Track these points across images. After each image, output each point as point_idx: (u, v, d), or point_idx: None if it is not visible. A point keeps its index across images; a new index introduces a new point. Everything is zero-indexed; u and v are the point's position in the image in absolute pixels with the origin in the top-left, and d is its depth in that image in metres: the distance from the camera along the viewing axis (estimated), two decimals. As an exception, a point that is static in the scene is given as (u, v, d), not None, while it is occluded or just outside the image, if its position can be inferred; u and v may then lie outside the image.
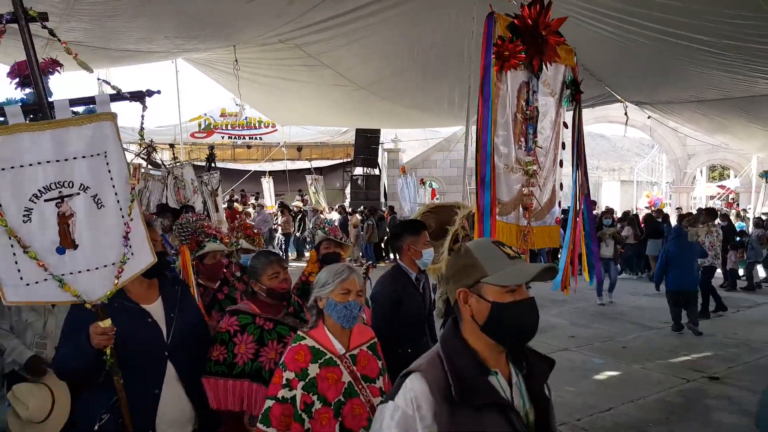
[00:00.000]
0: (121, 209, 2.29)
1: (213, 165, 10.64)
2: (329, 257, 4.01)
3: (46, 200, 2.17)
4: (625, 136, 21.75)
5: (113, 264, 2.27)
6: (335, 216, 17.61)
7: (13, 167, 2.13)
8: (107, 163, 2.27)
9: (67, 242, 2.19)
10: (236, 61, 9.09)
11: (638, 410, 5.37)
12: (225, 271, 4.08)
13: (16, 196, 2.14)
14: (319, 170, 24.49)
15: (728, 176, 22.87)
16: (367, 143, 21.02)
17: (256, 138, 25.04)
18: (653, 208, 19.49)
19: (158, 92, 2.48)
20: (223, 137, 24.88)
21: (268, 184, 21.65)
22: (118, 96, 2.38)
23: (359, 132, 20.83)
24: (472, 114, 9.74)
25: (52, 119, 2.24)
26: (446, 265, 1.69)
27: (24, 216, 2.15)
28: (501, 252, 1.57)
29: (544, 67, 3.33)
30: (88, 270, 2.23)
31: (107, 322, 2.23)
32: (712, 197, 22.76)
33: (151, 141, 10.99)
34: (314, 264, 4.01)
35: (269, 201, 20.85)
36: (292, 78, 10.76)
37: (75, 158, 2.20)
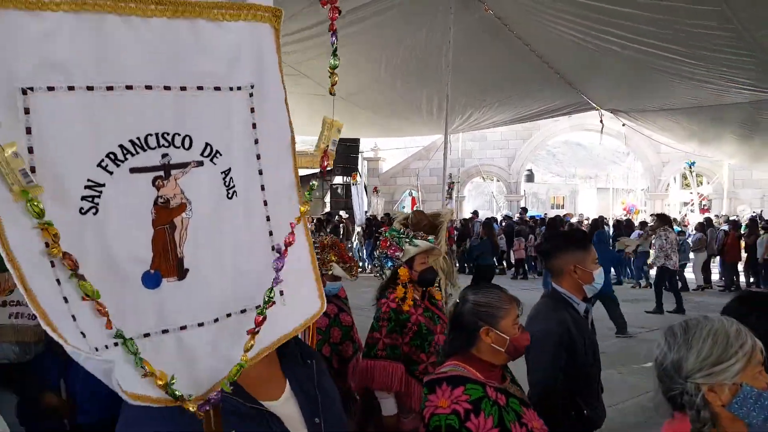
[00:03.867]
0: (266, 204, 1.19)
1: None
2: (428, 274, 3.15)
3: (133, 169, 1.01)
4: (601, 144, 22.10)
5: (248, 310, 1.14)
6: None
7: (72, 87, 0.94)
8: (251, 110, 1.14)
9: (167, 265, 1.04)
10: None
11: (616, 415, 5.43)
12: None
13: (75, 152, 0.96)
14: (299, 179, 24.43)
15: (701, 183, 23.37)
16: (346, 152, 21.04)
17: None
18: (628, 215, 19.88)
19: None
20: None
21: None
22: None
23: (339, 141, 20.82)
24: (450, 123, 9.84)
25: None
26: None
27: (85, 199, 0.97)
28: None
29: None
30: (200, 325, 1.07)
31: None
32: (685, 204, 23.21)
33: None
34: (409, 287, 3.04)
35: None
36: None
37: (200, 88, 1.06)
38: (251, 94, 1.15)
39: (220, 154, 1.09)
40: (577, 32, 7.13)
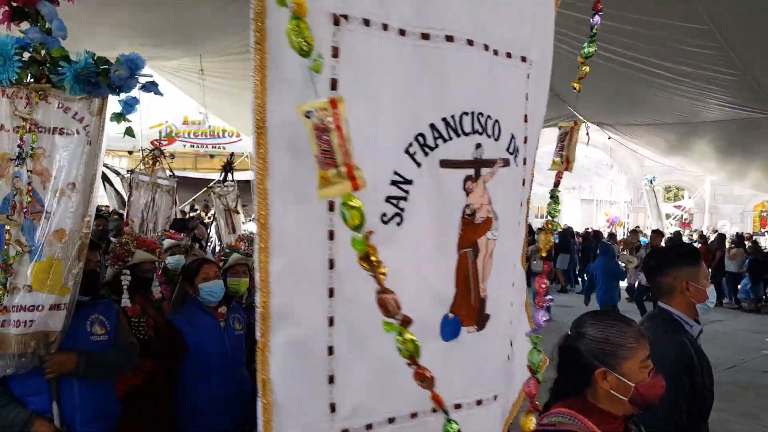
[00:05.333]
0: (519, 224, 0.89)
1: (230, 175, 7.97)
2: None
3: (445, 162, 0.70)
4: (586, 156, 22.30)
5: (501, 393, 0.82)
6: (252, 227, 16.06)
7: (386, 26, 0.65)
8: (526, 96, 0.86)
9: (468, 307, 0.73)
10: (202, 70, 8.97)
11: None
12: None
13: (384, 127, 0.65)
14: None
15: (683, 197, 23.66)
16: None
17: (219, 147, 24.72)
18: (611, 227, 20.11)
19: None
20: (185, 145, 24.48)
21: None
22: None
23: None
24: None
25: None
26: None
27: (390, 201, 0.66)
28: None
29: None
30: (479, 403, 0.78)
31: None
32: (667, 216, 23.48)
33: (159, 142, 9.01)
34: None
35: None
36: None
37: (509, 56, 0.78)
38: (528, 75, 0.82)
39: (518, 152, 0.74)
40: (565, 45, 7.17)
